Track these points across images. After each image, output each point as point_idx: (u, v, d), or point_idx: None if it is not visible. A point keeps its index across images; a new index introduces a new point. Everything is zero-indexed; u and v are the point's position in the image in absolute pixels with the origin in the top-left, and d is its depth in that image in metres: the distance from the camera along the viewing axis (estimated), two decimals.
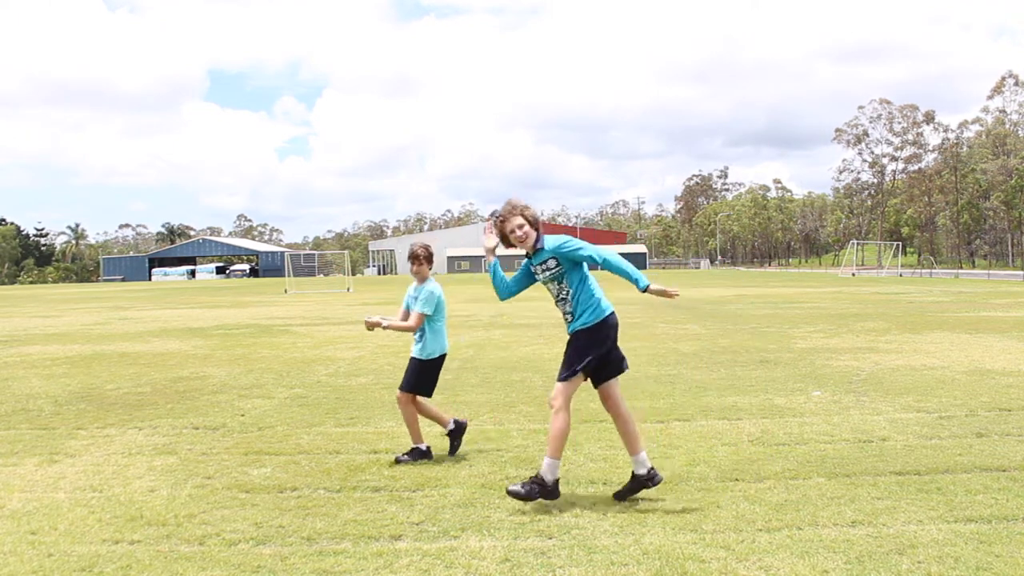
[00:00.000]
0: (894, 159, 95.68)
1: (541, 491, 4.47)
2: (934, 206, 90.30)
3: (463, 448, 5.89)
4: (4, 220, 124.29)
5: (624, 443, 4.74)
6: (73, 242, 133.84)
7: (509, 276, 4.93)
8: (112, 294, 46.95)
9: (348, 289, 44.02)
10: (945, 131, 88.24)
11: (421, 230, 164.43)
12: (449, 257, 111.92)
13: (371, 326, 5.62)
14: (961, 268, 75.56)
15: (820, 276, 58.49)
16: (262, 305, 28.79)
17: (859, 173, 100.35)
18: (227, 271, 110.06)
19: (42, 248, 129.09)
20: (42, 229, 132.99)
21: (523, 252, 4.79)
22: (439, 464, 5.52)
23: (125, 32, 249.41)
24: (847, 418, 6.77)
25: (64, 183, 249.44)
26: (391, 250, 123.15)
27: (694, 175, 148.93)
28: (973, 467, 5.16)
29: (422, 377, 5.68)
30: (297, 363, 11.24)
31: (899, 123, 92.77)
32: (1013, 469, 5.10)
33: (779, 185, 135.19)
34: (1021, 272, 54.30)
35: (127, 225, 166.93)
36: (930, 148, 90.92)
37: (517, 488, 4.48)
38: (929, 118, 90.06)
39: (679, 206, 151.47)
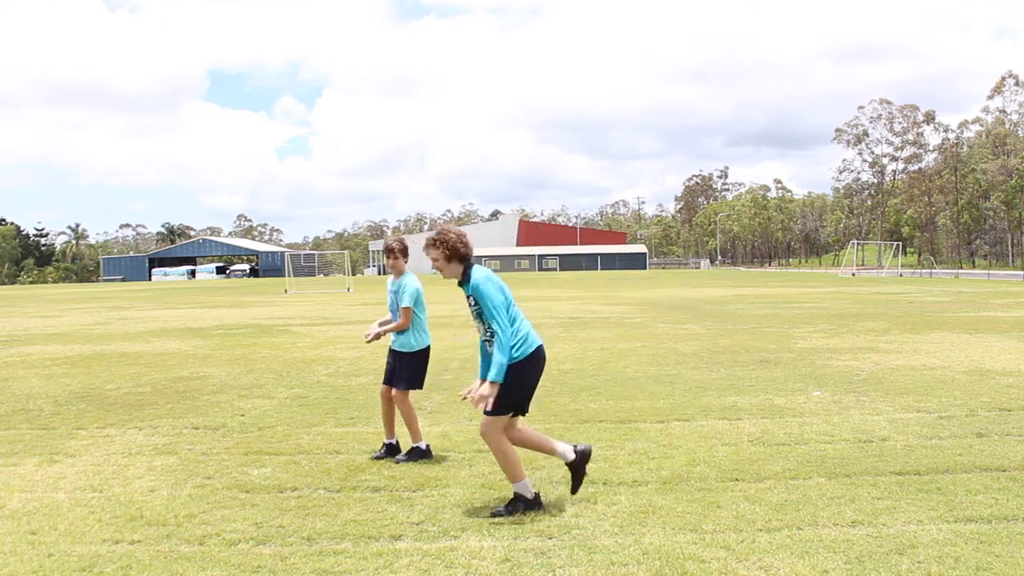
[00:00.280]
0: (894, 159, 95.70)
1: (525, 506, 4.46)
2: (934, 206, 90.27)
3: (463, 448, 5.89)
4: (4, 220, 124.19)
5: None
6: (73, 242, 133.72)
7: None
8: (112, 294, 46.93)
9: (348, 289, 44.01)
10: (945, 131, 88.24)
11: (421, 230, 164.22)
12: None
13: (372, 339, 5.87)
14: (961, 268, 75.54)
15: (820, 276, 58.46)
16: (262, 305, 28.78)
17: (859, 173, 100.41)
18: (227, 271, 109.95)
19: (42, 248, 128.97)
20: (42, 229, 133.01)
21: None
22: (439, 464, 5.53)
23: (125, 32, 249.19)
24: (847, 418, 6.77)
25: (64, 183, 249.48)
26: None
27: (694, 175, 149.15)
28: (973, 467, 5.16)
29: (415, 370, 5.78)
30: (297, 363, 11.24)
31: (899, 123, 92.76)
32: (1013, 469, 5.10)
33: (779, 185, 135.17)
34: (1021, 272, 54.30)
35: (127, 225, 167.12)
36: (930, 148, 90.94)
37: (500, 509, 4.46)
38: (929, 118, 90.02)
39: (679, 206, 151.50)
